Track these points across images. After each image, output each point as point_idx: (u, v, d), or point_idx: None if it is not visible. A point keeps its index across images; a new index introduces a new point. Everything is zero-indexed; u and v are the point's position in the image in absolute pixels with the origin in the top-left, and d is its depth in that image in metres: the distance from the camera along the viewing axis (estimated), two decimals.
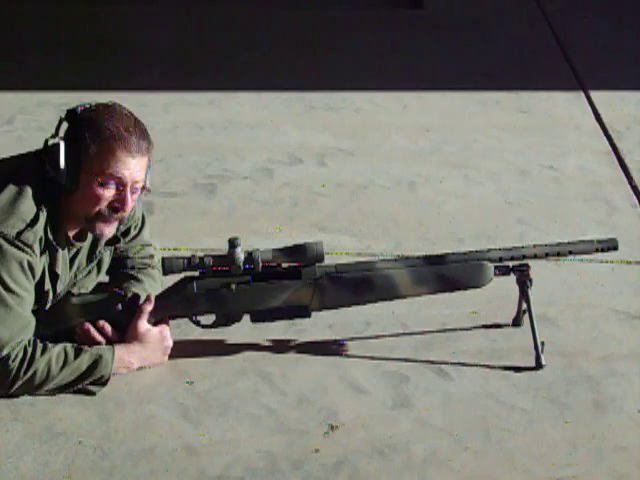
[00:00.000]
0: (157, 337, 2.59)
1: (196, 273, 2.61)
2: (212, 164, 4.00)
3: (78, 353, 2.45)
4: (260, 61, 5.22)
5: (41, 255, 2.45)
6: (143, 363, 2.58)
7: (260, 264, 2.57)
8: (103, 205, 2.44)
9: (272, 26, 5.83)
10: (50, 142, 2.44)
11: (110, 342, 2.55)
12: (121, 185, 2.44)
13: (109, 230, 2.50)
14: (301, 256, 2.60)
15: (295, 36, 5.65)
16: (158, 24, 5.68)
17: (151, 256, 2.82)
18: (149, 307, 2.58)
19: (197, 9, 6.01)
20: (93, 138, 2.40)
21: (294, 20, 5.92)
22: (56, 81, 4.82)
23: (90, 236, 2.60)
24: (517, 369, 2.66)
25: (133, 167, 2.43)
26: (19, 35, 5.53)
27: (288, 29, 5.78)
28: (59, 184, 2.43)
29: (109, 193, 2.44)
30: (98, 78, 4.79)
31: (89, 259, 2.66)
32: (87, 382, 2.47)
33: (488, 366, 2.68)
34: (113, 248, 2.71)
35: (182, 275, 2.62)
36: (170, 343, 2.62)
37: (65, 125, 2.47)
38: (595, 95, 4.84)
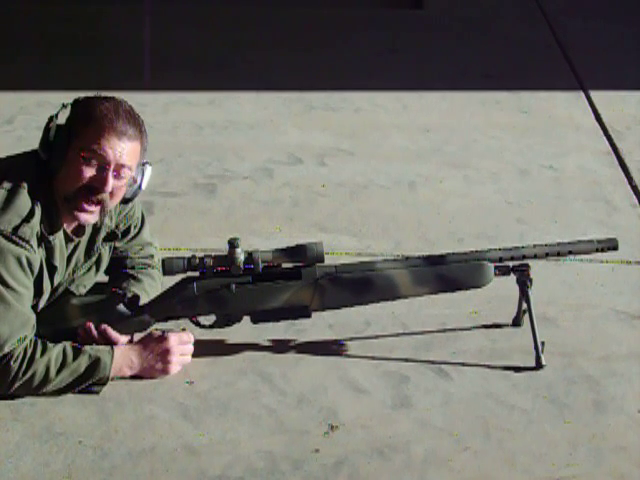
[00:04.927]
0: (155, 336, 2.57)
1: (196, 273, 2.61)
2: (212, 164, 4.00)
3: (77, 355, 2.44)
4: (260, 61, 5.21)
5: (38, 248, 2.44)
6: (143, 365, 2.54)
7: (260, 264, 2.56)
8: (82, 183, 2.42)
9: (272, 26, 5.82)
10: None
11: (111, 343, 2.54)
12: (104, 164, 2.42)
13: (89, 216, 2.47)
14: (301, 256, 2.59)
15: (295, 36, 5.64)
16: (158, 24, 5.67)
17: (151, 256, 2.81)
18: None
19: (197, 9, 6.01)
20: (84, 117, 2.43)
21: (294, 20, 5.92)
22: (56, 81, 4.82)
23: (88, 231, 2.60)
24: (517, 369, 2.66)
25: (119, 148, 2.42)
26: (19, 35, 5.52)
27: (288, 29, 5.77)
28: (51, 172, 2.43)
29: (90, 171, 2.42)
30: (98, 78, 4.78)
31: (87, 255, 2.65)
32: (87, 384, 2.46)
33: (488, 366, 2.68)
34: (112, 246, 2.71)
35: (182, 275, 2.62)
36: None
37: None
38: (595, 95, 4.84)
